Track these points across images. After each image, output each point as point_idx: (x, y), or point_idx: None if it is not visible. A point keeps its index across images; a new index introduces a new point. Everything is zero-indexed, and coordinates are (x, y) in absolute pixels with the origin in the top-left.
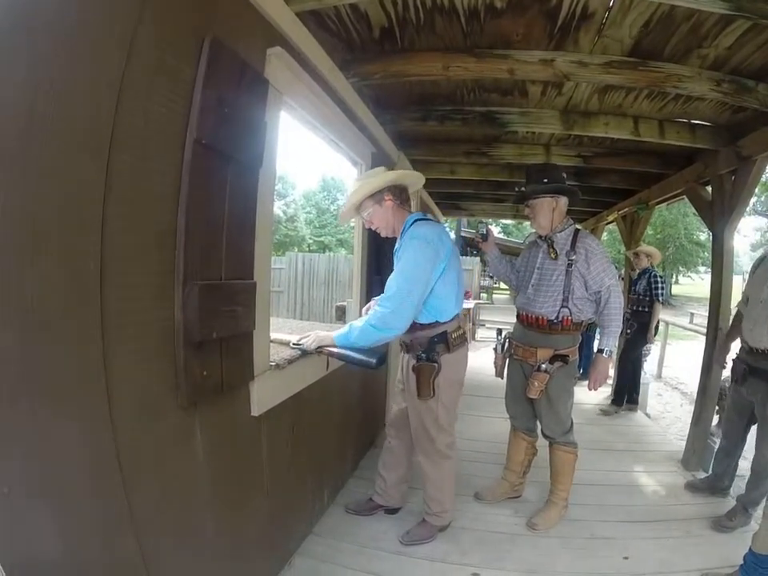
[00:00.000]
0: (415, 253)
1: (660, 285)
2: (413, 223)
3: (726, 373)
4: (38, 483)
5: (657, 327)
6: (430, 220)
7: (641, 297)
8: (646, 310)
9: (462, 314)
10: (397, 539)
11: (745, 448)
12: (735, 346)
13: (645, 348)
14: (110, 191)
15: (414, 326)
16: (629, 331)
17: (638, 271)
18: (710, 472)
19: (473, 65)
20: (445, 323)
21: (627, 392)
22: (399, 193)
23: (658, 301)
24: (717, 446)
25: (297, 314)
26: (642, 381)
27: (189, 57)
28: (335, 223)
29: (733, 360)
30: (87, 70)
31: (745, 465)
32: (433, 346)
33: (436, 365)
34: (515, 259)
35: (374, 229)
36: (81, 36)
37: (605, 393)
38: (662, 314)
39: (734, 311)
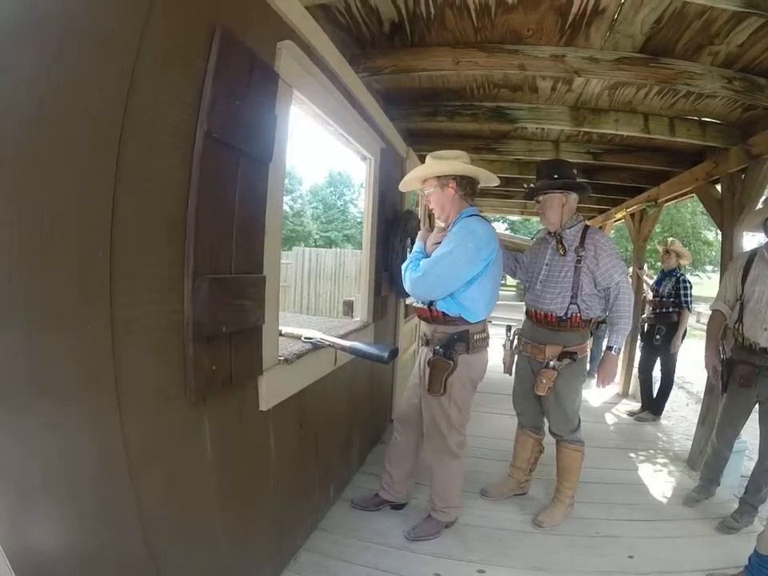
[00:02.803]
0: (459, 244)
1: (689, 290)
2: (469, 216)
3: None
4: (44, 477)
5: (684, 335)
6: (485, 219)
7: (664, 299)
8: (671, 310)
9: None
10: (402, 535)
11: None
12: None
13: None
14: (120, 183)
15: (438, 317)
16: (658, 337)
17: (662, 270)
18: (700, 480)
19: (483, 60)
20: (469, 323)
21: (656, 401)
22: (466, 184)
23: (688, 308)
24: (709, 453)
25: (303, 308)
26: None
27: (199, 49)
28: (342, 219)
29: (731, 362)
30: (97, 62)
31: (749, 464)
32: (452, 343)
33: (452, 362)
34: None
35: (429, 207)
36: (91, 27)
37: (612, 391)
38: None
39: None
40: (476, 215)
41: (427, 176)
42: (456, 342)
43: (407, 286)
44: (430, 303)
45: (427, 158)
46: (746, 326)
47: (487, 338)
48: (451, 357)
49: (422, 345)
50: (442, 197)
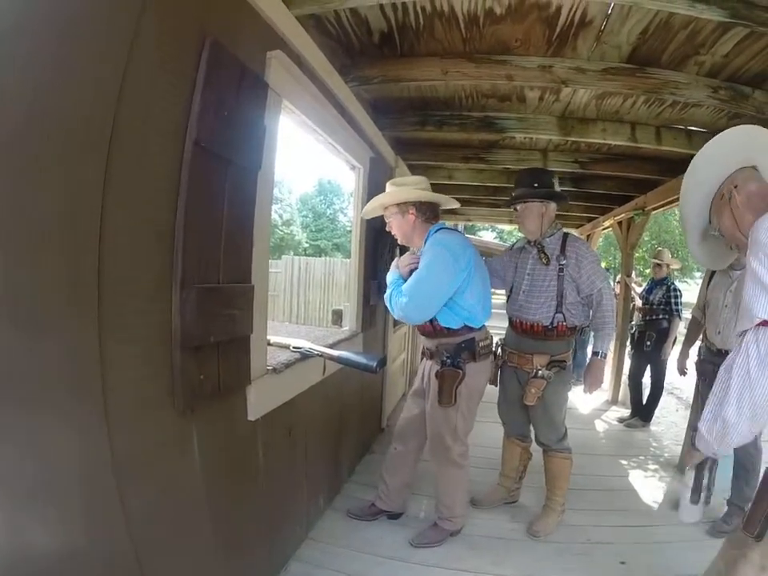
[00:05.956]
0: (434, 259)
1: (680, 299)
2: (437, 231)
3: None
4: (31, 485)
5: (674, 342)
6: (453, 230)
7: (655, 306)
8: (661, 317)
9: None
10: (392, 544)
11: None
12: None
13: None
14: (109, 191)
15: (441, 332)
16: (648, 343)
17: (652, 279)
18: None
19: (472, 70)
20: (474, 330)
21: (646, 407)
22: (426, 209)
23: (679, 316)
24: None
25: (293, 317)
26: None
27: (189, 58)
28: (331, 227)
29: (699, 362)
30: (88, 68)
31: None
32: (459, 352)
33: (460, 372)
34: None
35: (392, 233)
36: (82, 33)
37: (600, 398)
38: None
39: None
40: (443, 228)
41: (387, 204)
42: (463, 350)
43: (398, 315)
44: (432, 319)
45: (387, 184)
46: (707, 330)
47: (491, 344)
48: (459, 366)
49: (425, 358)
50: (403, 223)
